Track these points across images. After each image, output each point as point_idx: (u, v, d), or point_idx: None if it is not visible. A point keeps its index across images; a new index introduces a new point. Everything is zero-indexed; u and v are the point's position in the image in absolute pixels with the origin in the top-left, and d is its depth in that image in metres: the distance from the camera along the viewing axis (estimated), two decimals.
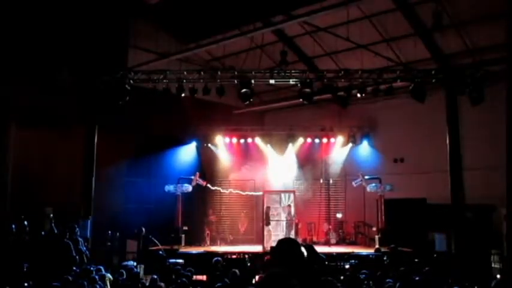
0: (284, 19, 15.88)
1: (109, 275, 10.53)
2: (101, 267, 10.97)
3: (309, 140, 20.33)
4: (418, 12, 15.97)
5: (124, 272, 10.72)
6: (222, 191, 20.04)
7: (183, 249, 16.81)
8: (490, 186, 15.94)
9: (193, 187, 18.50)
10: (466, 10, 15.05)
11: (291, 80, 16.12)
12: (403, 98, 16.70)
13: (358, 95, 15.91)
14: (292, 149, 20.58)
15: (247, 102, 15.98)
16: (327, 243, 19.07)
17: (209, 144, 20.63)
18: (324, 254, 11.28)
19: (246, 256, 15.59)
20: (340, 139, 20.26)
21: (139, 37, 17.90)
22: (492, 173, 16.00)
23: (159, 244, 16.66)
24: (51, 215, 13.86)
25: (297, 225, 18.43)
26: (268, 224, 17.76)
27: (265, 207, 18.12)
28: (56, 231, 13.11)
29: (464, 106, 16.78)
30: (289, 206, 18.41)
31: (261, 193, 19.00)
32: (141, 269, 13.58)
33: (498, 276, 13.19)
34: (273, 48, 18.62)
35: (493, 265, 13.88)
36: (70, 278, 9.26)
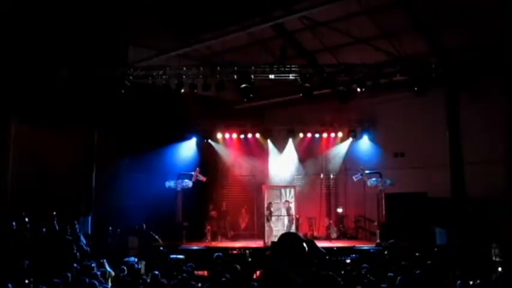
0: (283, 13, 15.82)
1: (110, 270, 10.57)
2: (104, 261, 11.01)
3: (309, 135, 20.27)
4: (418, 6, 15.91)
5: (125, 268, 10.74)
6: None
7: (184, 245, 16.83)
8: (490, 180, 15.96)
9: (194, 183, 18.50)
10: (466, 4, 14.97)
11: (290, 75, 16.09)
12: (403, 93, 16.68)
13: (358, 90, 15.87)
14: (293, 144, 20.57)
15: (247, 97, 15.97)
16: (328, 238, 19.06)
17: (209, 140, 20.60)
18: (324, 248, 11.29)
19: (247, 251, 15.61)
20: (340, 134, 20.22)
21: (138, 33, 17.84)
22: (492, 166, 16.01)
23: (160, 240, 16.69)
24: (54, 213, 13.89)
25: (297, 220, 18.44)
26: (269, 219, 17.77)
27: (266, 202, 18.14)
28: (57, 228, 13.14)
29: (464, 100, 16.79)
30: (289, 201, 18.42)
31: None
32: (142, 265, 13.61)
33: (499, 269, 13.19)
34: (272, 43, 18.58)
35: (493, 258, 13.87)
36: (71, 274, 9.28)
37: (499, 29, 14.85)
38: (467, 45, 15.97)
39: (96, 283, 8.46)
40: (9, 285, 8.08)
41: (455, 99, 17.10)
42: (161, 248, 15.64)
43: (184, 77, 15.80)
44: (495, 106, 15.90)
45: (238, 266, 10.07)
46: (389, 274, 9.53)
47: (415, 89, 15.36)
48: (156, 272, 9.89)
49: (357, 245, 16.71)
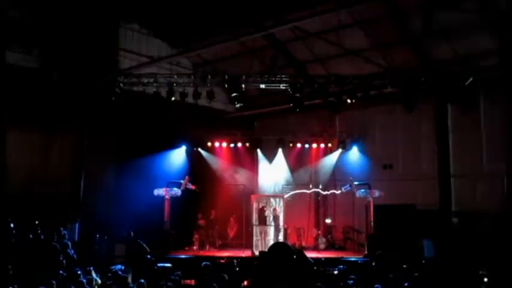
0: (275, 24, 15.89)
1: (96, 277, 10.49)
2: (91, 269, 10.91)
3: (299, 145, 20.28)
4: (408, 19, 16.03)
5: (112, 276, 10.66)
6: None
7: (172, 254, 16.73)
8: (478, 193, 16.06)
9: (183, 191, 18.44)
10: (456, 17, 15.10)
11: (281, 85, 16.14)
12: (393, 104, 16.79)
13: (349, 101, 15.95)
14: (282, 154, 20.59)
15: (238, 106, 15.98)
16: (316, 248, 19.03)
17: (199, 149, 20.58)
18: (312, 259, 11.29)
19: (235, 261, 15.55)
20: (330, 144, 20.27)
21: (130, 40, 17.85)
22: (480, 180, 16.11)
23: (147, 248, 16.58)
24: (37, 222, 13.74)
25: (286, 230, 18.43)
26: (262, 223, 17.77)
27: (257, 209, 18.17)
28: (41, 235, 13.02)
29: (454, 113, 16.92)
30: (276, 209, 18.43)
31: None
32: (129, 273, 13.50)
33: (485, 280, 13.25)
34: (264, 53, 18.64)
35: (480, 271, 13.92)
36: (56, 281, 9.19)
37: (488, 42, 14.98)
38: (457, 58, 16.11)
39: None
40: None
41: (444, 111, 17.22)
42: (148, 256, 15.54)
43: (175, 85, 15.81)
44: (486, 119, 16.03)
45: (226, 275, 10.04)
46: (376, 286, 9.53)
47: (404, 105, 15.51)
48: (142, 281, 9.82)
49: (344, 256, 16.72)
